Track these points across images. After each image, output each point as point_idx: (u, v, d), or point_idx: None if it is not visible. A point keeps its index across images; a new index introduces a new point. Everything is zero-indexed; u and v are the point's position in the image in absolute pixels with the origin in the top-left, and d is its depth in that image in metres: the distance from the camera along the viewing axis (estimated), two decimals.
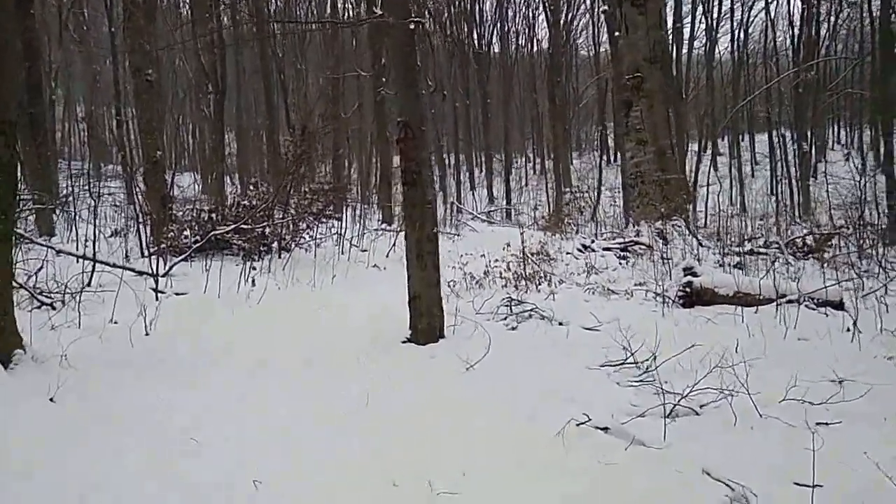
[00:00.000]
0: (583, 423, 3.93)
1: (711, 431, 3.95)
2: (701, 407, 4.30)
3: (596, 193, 19.47)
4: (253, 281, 8.20)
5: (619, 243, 10.86)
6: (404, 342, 6.01)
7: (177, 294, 8.19)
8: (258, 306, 7.60)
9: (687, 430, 3.96)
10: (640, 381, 4.84)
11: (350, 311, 7.41)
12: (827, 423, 4.00)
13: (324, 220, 11.79)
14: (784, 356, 5.40)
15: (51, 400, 4.55)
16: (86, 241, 9.36)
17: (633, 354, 5.19)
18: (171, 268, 9.03)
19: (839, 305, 7.14)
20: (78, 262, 8.78)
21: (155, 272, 8.30)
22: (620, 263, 10.05)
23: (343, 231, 11.59)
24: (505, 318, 6.73)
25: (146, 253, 9.58)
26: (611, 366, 5.24)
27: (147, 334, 6.42)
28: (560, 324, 6.55)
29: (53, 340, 5.71)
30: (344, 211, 12.83)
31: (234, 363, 5.57)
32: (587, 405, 4.23)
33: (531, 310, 6.74)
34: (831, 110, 24.95)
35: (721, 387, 4.38)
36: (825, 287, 7.15)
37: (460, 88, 24.09)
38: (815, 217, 14.98)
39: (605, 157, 23.91)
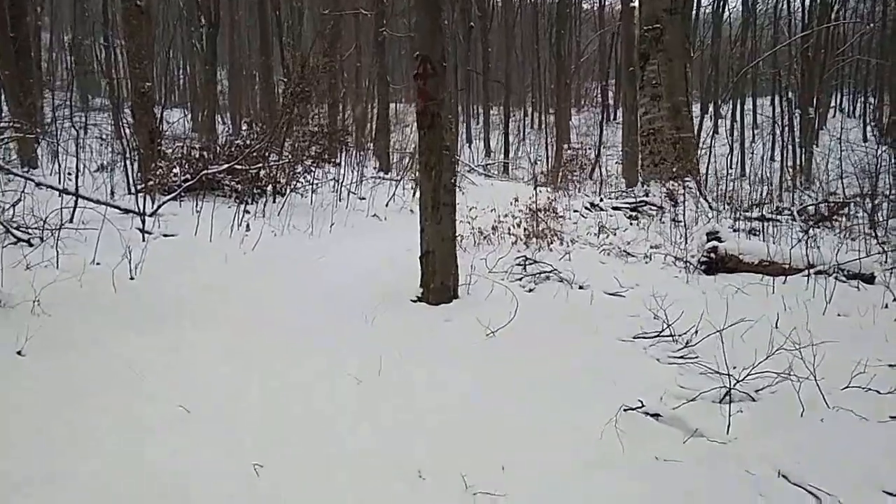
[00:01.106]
0: (633, 409, 3.37)
1: (776, 423, 3.41)
2: (757, 392, 3.76)
3: (596, 151, 18.77)
4: (247, 226, 7.54)
5: (629, 203, 10.25)
6: (415, 301, 5.42)
7: (165, 235, 7.51)
8: (253, 253, 6.96)
9: (749, 420, 3.42)
10: (682, 357, 4.28)
11: (352, 263, 6.79)
12: None
13: (321, 164, 11.05)
14: (830, 335, 4.86)
15: (18, 353, 3.93)
16: (68, 174, 8.61)
17: (669, 326, 4.63)
18: (159, 207, 8.32)
19: (870, 279, 6.62)
20: (60, 196, 8.06)
21: (142, 210, 7.60)
22: (631, 224, 9.47)
23: (341, 178, 10.86)
24: (520, 279, 6.14)
25: (133, 190, 8.82)
26: (645, 338, 4.69)
27: (132, 278, 5.77)
28: (580, 287, 5.97)
29: (27, 282, 5.05)
30: (341, 157, 12.07)
31: (229, 318, 4.97)
32: (631, 387, 3.67)
33: (550, 271, 6.14)
34: (836, 76, 24.21)
35: (779, 369, 3.83)
36: (859, 259, 6.61)
37: (461, 37, 23.04)
38: (819, 184, 14.43)
39: (605, 115, 23.10)
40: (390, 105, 16.82)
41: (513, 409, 3.51)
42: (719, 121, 23.74)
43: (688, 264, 6.91)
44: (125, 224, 7.61)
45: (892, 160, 10.85)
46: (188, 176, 9.45)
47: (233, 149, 10.37)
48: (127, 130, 9.37)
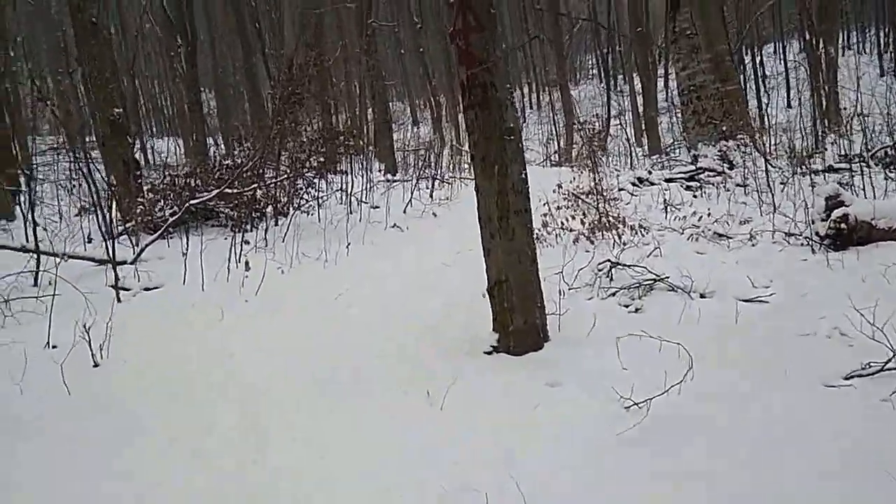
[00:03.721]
0: None
1: None
2: None
3: (605, 123, 16.92)
4: (247, 264, 5.77)
5: (684, 172, 8.44)
6: (490, 353, 3.63)
7: (147, 289, 5.77)
8: (256, 300, 5.22)
9: None
10: None
11: (384, 297, 5.04)
12: None
13: (324, 175, 9.26)
14: None
15: None
16: (34, 225, 6.84)
17: None
18: (140, 252, 6.59)
19: None
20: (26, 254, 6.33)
21: (113, 259, 5.83)
22: (694, 196, 7.67)
23: (349, 186, 9.05)
24: (614, 293, 4.36)
25: (109, 235, 7.02)
26: (863, 375, 2.90)
27: (96, 365, 4.02)
28: (702, 296, 4.20)
29: None
30: (347, 162, 10.24)
31: (227, 418, 3.20)
32: None
33: (653, 279, 4.35)
34: (844, 13, 22.18)
35: None
36: None
37: (443, 16, 21.09)
38: (864, 123, 12.54)
39: (609, 84, 21.15)
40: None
41: None
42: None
43: (810, 241, 5.11)
44: (100, 280, 5.88)
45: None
46: (175, 209, 7.68)
47: (223, 171, 8.60)
48: (89, 166, 7.53)
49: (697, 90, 9.24)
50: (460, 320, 4.06)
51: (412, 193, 9.21)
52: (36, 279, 6.03)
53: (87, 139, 12.65)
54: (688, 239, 5.66)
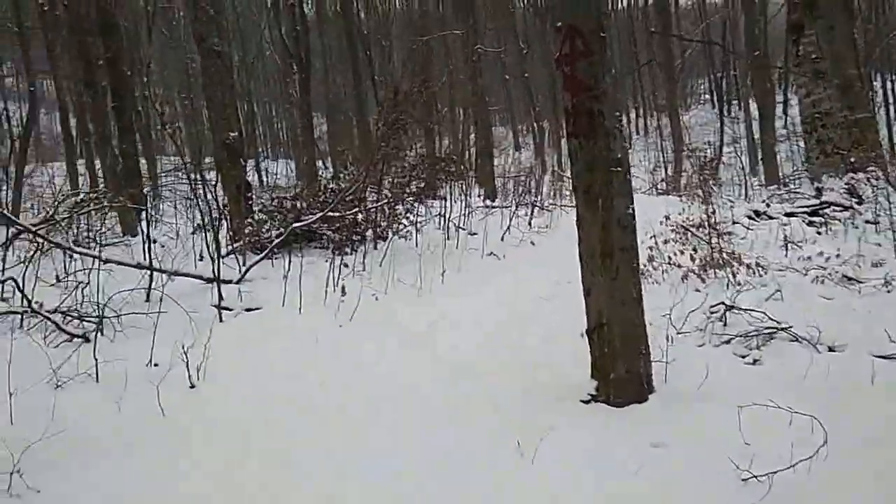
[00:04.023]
0: None
1: None
2: None
3: (718, 150, 16.08)
4: (343, 289, 5.74)
5: (805, 206, 7.77)
6: (587, 402, 3.34)
7: (248, 310, 5.86)
8: (350, 325, 5.18)
9: None
10: None
11: (476, 329, 4.85)
12: None
13: (423, 200, 9.22)
14: None
15: None
16: (153, 241, 7.15)
17: None
18: (245, 272, 6.72)
19: None
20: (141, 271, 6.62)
21: (217, 279, 5.96)
22: (819, 233, 7.01)
23: (448, 212, 8.96)
24: (728, 341, 3.96)
25: (214, 255, 7.23)
26: None
27: (192, 386, 4.06)
28: (830, 349, 3.73)
29: (45, 415, 3.41)
30: (446, 187, 10.17)
31: (305, 455, 3.08)
32: None
33: (773, 329, 3.91)
34: None
35: None
36: None
37: (550, 41, 20.85)
38: None
39: (722, 109, 20.08)
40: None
41: None
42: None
43: None
44: (206, 299, 6.04)
45: None
46: (282, 230, 7.85)
47: (327, 194, 8.74)
48: (206, 187, 7.85)
49: (823, 118, 8.51)
50: (557, 361, 3.81)
51: (511, 220, 9.01)
52: (148, 295, 6.26)
53: (207, 160, 13.38)
54: (812, 281, 5.12)
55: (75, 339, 5.01)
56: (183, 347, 4.08)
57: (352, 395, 3.80)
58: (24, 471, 2.79)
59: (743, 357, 3.77)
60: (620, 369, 3.31)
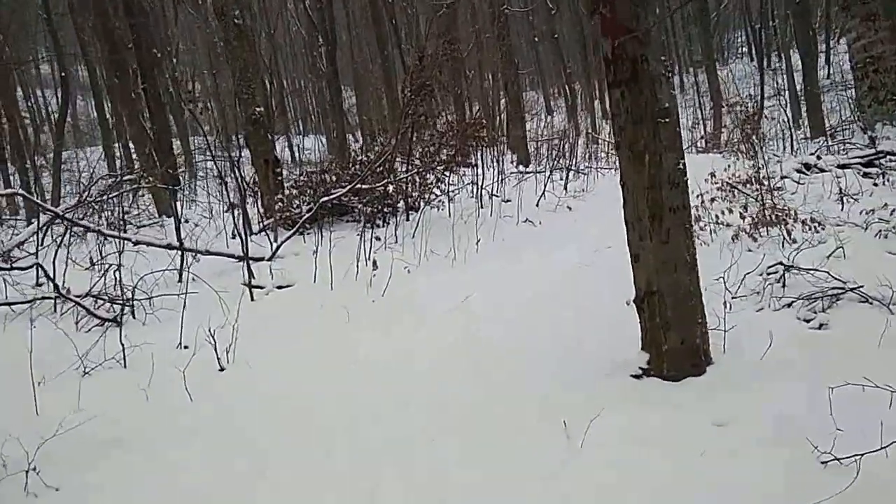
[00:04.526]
0: None
1: None
2: None
3: (760, 103, 15.30)
4: (374, 263, 5.51)
5: (860, 157, 7.23)
6: (638, 376, 3.05)
7: (279, 287, 5.69)
8: (382, 300, 4.95)
9: None
10: None
11: (513, 300, 4.57)
12: None
13: (454, 169, 8.89)
14: None
15: None
16: (178, 222, 7.02)
17: None
18: (276, 250, 6.55)
19: None
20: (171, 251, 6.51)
21: (246, 257, 5.79)
22: (875, 184, 6.51)
23: (480, 179, 8.63)
24: (790, 304, 3.61)
25: (248, 232, 7.06)
26: None
27: (221, 369, 3.88)
28: None
29: (68, 405, 3.27)
30: (478, 155, 9.82)
31: (337, 444, 2.87)
32: None
33: (839, 290, 3.54)
34: None
35: None
36: None
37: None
38: None
39: (762, 62, 19.09)
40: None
41: None
42: None
43: None
44: (238, 277, 5.89)
45: None
46: (311, 205, 7.64)
47: (357, 166, 8.49)
48: (236, 166, 7.67)
49: (875, 62, 7.89)
50: (601, 333, 3.51)
51: (545, 186, 8.64)
52: (180, 275, 6.14)
53: (238, 137, 13.23)
54: (875, 236, 4.70)
55: (107, 323, 4.92)
56: (210, 330, 3.90)
57: (385, 376, 3.58)
58: (44, 466, 2.64)
59: (808, 321, 3.43)
60: (674, 340, 3.00)
